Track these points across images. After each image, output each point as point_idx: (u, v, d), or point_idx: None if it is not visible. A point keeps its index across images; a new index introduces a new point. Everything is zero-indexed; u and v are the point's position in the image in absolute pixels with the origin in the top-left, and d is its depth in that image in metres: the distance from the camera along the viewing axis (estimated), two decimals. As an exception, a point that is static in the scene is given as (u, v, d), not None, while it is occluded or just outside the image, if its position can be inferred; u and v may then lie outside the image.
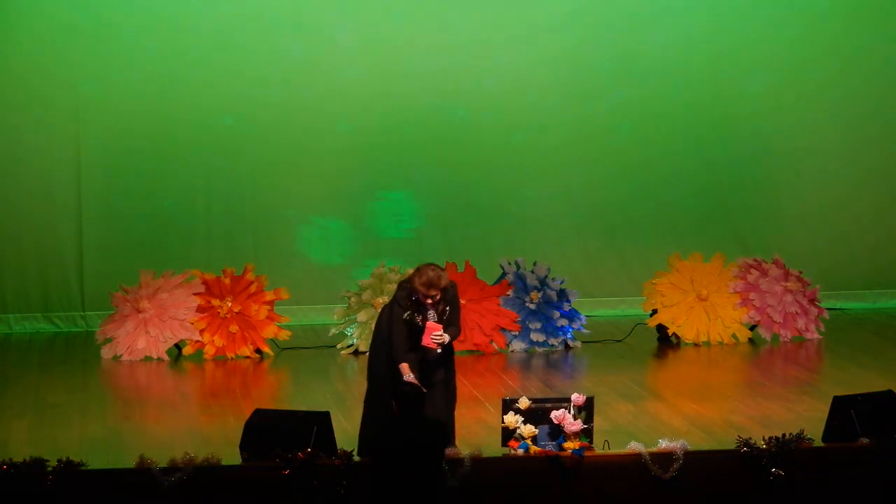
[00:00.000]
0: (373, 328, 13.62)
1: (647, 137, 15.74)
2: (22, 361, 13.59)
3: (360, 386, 12.58)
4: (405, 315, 9.63)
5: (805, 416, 10.91)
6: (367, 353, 10.08)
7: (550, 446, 9.52)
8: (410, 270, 13.81)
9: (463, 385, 12.44)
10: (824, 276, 15.15)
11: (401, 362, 9.54)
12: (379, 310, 13.78)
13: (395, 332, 9.64)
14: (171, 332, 13.64)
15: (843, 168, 16.08)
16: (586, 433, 9.60)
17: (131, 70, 14.87)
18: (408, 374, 9.44)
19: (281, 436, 9.32)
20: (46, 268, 15.02)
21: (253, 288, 13.88)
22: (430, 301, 9.58)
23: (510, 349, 13.92)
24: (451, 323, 9.65)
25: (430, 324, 9.58)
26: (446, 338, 9.56)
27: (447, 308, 9.66)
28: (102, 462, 9.50)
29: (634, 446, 9.56)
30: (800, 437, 9.62)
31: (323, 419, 9.50)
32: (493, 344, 13.90)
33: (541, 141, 15.60)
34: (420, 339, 9.53)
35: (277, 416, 9.69)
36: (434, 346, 9.54)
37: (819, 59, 15.88)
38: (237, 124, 15.11)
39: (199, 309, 13.72)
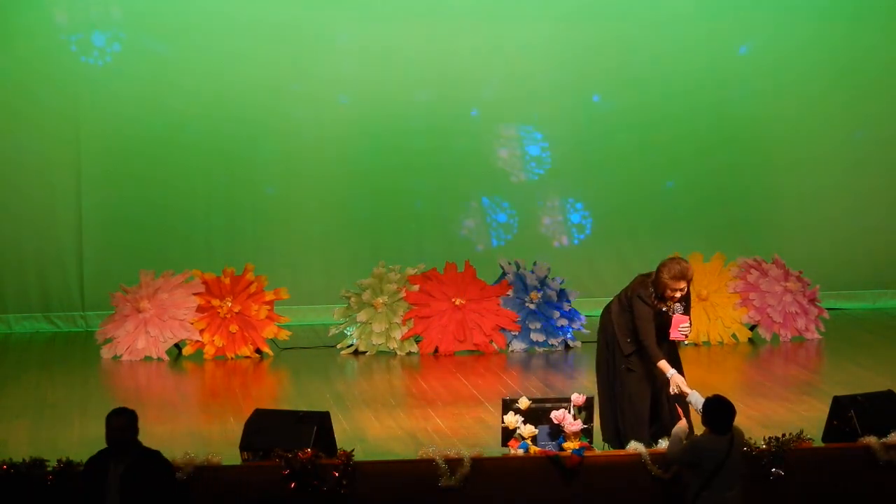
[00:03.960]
0: (373, 328, 13.78)
1: (648, 139, 15.74)
2: (22, 361, 13.59)
3: (359, 386, 12.64)
4: (656, 310, 9.68)
5: (805, 416, 10.91)
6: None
7: (550, 446, 9.52)
8: (410, 270, 14.02)
9: (463, 385, 12.46)
10: (824, 276, 15.15)
11: (659, 359, 9.63)
12: (379, 310, 13.87)
13: (644, 330, 9.66)
14: (171, 332, 13.64)
15: (843, 168, 16.09)
16: (586, 433, 9.60)
17: (130, 72, 14.88)
18: (670, 371, 9.56)
19: (281, 436, 9.32)
20: (46, 268, 15.02)
21: (253, 288, 13.88)
22: (677, 295, 9.64)
23: (510, 349, 13.92)
24: (686, 314, 9.80)
25: (676, 316, 9.71)
26: (689, 330, 9.73)
27: (685, 303, 9.78)
28: (102, 462, 9.50)
29: (634, 446, 9.56)
30: (800, 437, 9.62)
31: (323, 419, 9.50)
32: (493, 344, 13.90)
33: (540, 143, 15.59)
34: (667, 333, 9.66)
35: (277, 416, 9.70)
36: (682, 337, 9.70)
37: (821, 59, 15.89)
38: (237, 125, 15.11)
39: (199, 309, 13.72)
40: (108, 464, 8.22)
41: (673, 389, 9.57)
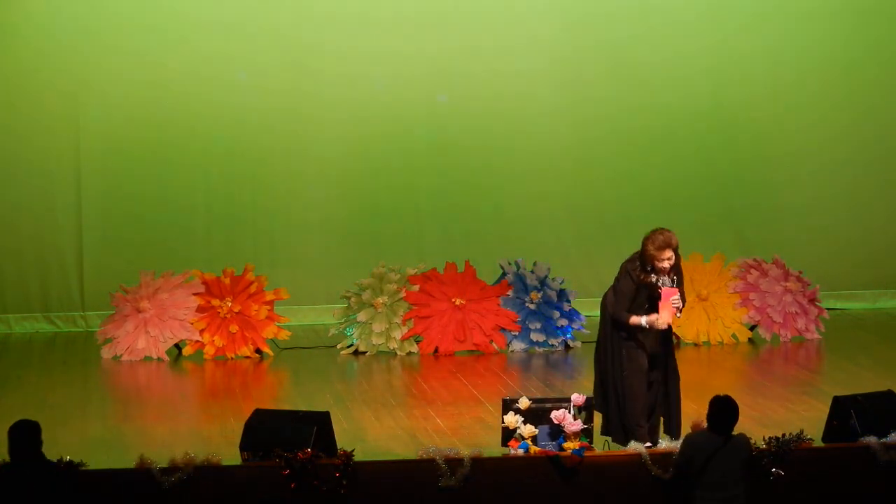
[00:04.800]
0: (373, 328, 13.78)
1: (648, 139, 15.73)
2: (22, 361, 13.59)
3: (360, 386, 12.64)
4: (641, 283, 9.70)
5: (805, 416, 10.91)
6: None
7: (550, 446, 9.52)
8: (411, 270, 14.01)
9: (463, 385, 12.46)
10: (824, 276, 15.14)
11: (629, 318, 9.66)
12: (379, 310, 13.87)
13: (619, 300, 9.72)
14: (171, 332, 13.64)
15: (843, 169, 16.08)
16: (586, 433, 9.60)
17: (131, 72, 14.88)
18: (643, 319, 9.62)
19: (281, 436, 9.32)
20: (46, 268, 15.02)
21: (253, 288, 13.88)
22: (665, 265, 9.66)
23: (510, 349, 13.92)
24: (681, 291, 9.78)
25: (665, 289, 9.70)
26: (681, 304, 9.72)
27: (675, 278, 9.78)
28: (102, 462, 9.50)
29: (634, 446, 9.56)
30: (800, 437, 9.62)
31: (323, 419, 9.50)
32: (493, 344, 13.90)
33: (541, 142, 15.59)
34: (657, 307, 9.66)
35: (277, 416, 9.70)
36: (674, 310, 9.69)
37: (821, 60, 15.88)
38: (236, 126, 15.11)
39: (199, 309, 13.72)
40: (10, 478, 8.19)
41: (662, 325, 9.62)
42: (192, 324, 13.65)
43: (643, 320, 9.66)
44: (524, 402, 9.62)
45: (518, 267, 14.28)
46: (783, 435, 9.60)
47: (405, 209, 15.49)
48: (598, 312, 10.19)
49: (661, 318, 9.65)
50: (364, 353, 13.80)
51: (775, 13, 15.76)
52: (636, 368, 9.77)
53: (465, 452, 9.37)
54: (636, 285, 9.71)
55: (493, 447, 9.76)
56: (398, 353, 13.79)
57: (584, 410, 9.63)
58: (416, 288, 14.00)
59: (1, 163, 14.88)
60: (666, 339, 9.90)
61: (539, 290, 14.12)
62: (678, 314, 9.77)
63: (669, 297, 9.67)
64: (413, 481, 9.29)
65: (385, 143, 15.36)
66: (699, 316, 14.26)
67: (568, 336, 14.06)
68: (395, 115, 15.33)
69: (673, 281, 9.76)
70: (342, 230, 15.44)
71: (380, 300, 13.90)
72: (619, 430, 9.81)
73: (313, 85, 15.19)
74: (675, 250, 9.71)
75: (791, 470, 9.49)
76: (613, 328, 9.82)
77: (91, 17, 14.77)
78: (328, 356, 13.78)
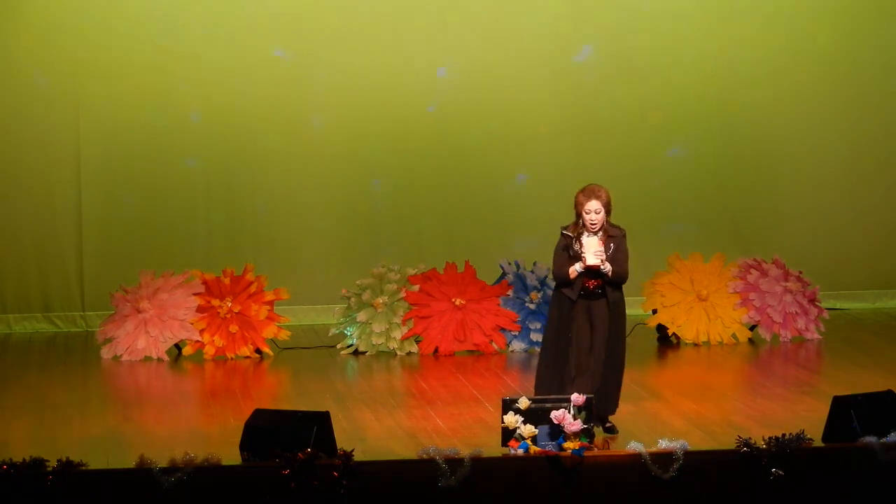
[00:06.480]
0: (373, 328, 13.78)
1: (648, 138, 15.73)
2: (22, 361, 13.59)
3: (360, 386, 12.65)
4: (564, 244, 9.90)
5: (805, 416, 10.90)
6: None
7: (550, 446, 9.52)
8: (411, 270, 14.01)
9: (463, 385, 12.45)
10: (824, 276, 15.14)
11: (568, 274, 9.89)
12: (379, 310, 13.87)
13: (556, 259, 9.97)
14: (171, 332, 13.64)
15: (843, 168, 16.08)
16: (586, 433, 9.60)
17: (132, 70, 14.89)
18: (576, 266, 9.87)
19: (281, 436, 9.32)
20: (46, 268, 15.03)
21: (253, 288, 13.88)
22: (593, 218, 9.78)
23: (510, 349, 13.92)
24: (614, 261, 9.91)
25: (586, 239, 9.83)
26: (603, 255, 9.83)
27: (612, 245, 9.90)
28: (102, 462, 9.51)
29: (634, 446, 9.56)
30: (800, 437, 9.62)
31: (323, 419, 9.50)
32: (493, 344, 13.90)
33: (542, 143, 15.59)
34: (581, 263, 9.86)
35: (277, 416, 9.70)
36: (598, 262, 9.84)
37: (820, 58, 15.88)
38: (238, 124, 15.11)
39: (199, 309, 13.72)
40: None
41: (587, 260, 9.82)
42: (192, 324, 13.65)
43: (577, 265, 9.89)
44: (524, 402, 9.62)
45: (518, 267, 14.28)
46: (783, 435, 9.60)
47: (405, 209, 15.49)
48: (597, 312, 10.21)
49: (586, 255, 9.85)
50: (364, 353, 13.80)
51: (777, 10, 15.75)
52: (554, 332, 10.07)
53: (465, 452, 9.37)
54: (566, 240, 9.94)
55: (493, 447, 9.75)
56: (398, 353, 13.79)
57: (584, 410, 9.64)
58: (416, 288, 14.00)
59: (1, 163, 14.88)
60: (598, 318, 10.04)
61: (539, 290, 14.13)
62: (602, 267, 9.89)
63: (591, 249, 9.86)
64: (413, 481, 9.29)
65: (386, 144, 15.36)
66: (699, 316, 14.26)
67: (568, 336, 14.05)
68: (396, 116, 15.32)
69: (609, 248, 9.93)
70: (342, 230, 15.44)
71: (380, 300, 13.90)
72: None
73: (315, 86, 15.19)
74: (606, 207, 9.87)
75: (791, 470, 9.49)
76: (555, 295, 10.05)
77: (91, 18, 14.77)
78: (328, 356, 13.78)
